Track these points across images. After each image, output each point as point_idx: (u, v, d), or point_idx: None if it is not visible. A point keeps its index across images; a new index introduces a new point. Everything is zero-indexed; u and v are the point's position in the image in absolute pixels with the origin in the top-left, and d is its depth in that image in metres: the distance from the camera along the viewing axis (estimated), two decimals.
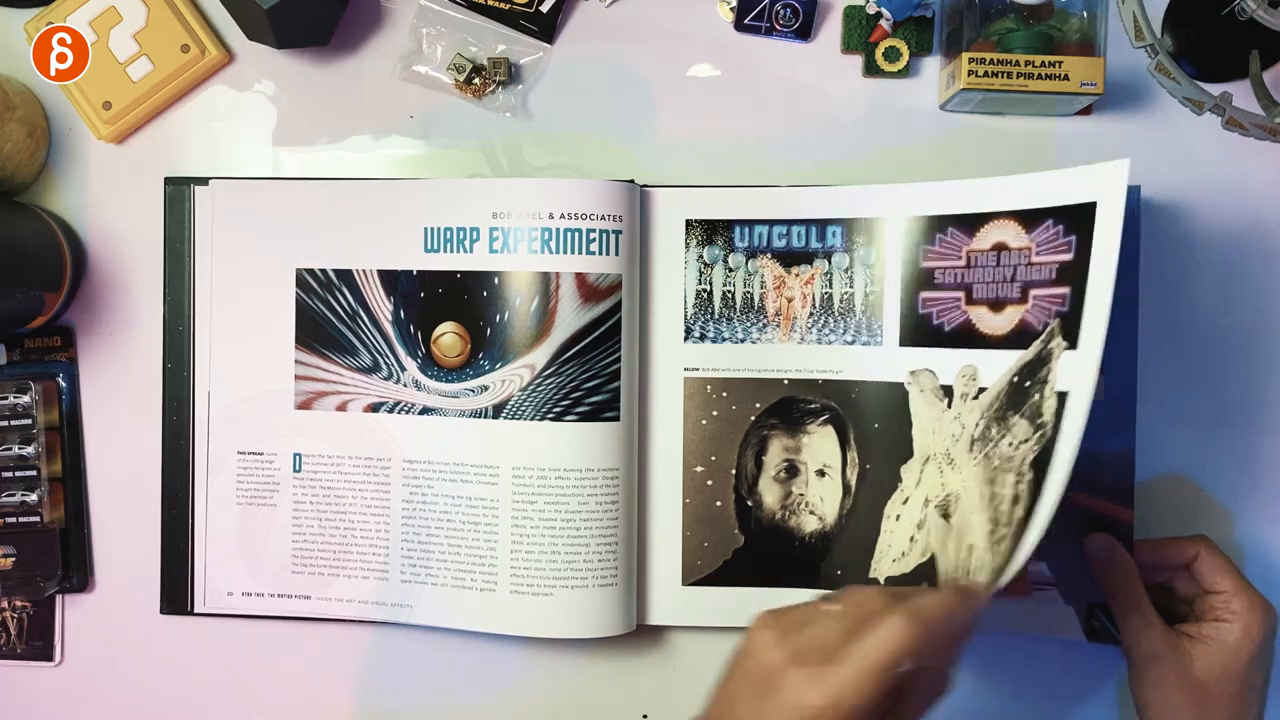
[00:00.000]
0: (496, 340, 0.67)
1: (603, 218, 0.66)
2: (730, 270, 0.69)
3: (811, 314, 0.69)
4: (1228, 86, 0.61)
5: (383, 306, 0.69)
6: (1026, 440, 0.60)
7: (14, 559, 0.72)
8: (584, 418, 0.66)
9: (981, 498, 0.62)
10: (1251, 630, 0.62)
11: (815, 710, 0.48)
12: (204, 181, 0.71)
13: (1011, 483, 0.60)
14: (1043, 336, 0.61)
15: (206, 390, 0.71)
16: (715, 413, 0.69)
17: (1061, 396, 0.58)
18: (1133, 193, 0.68)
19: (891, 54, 0.70)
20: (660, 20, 0.71)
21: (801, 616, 0.53)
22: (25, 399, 0.71)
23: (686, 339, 0.69)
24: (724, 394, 0.69)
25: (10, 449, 0.71)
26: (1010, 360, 0.62)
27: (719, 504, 0.69)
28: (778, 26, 0.71)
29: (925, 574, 0.65)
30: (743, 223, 0.69)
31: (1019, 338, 0.62)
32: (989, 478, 0.61)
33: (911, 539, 0.66)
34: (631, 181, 0.68)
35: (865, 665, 0.48)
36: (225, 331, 0.71)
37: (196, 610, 0.72)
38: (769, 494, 0.69)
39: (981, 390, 0.64)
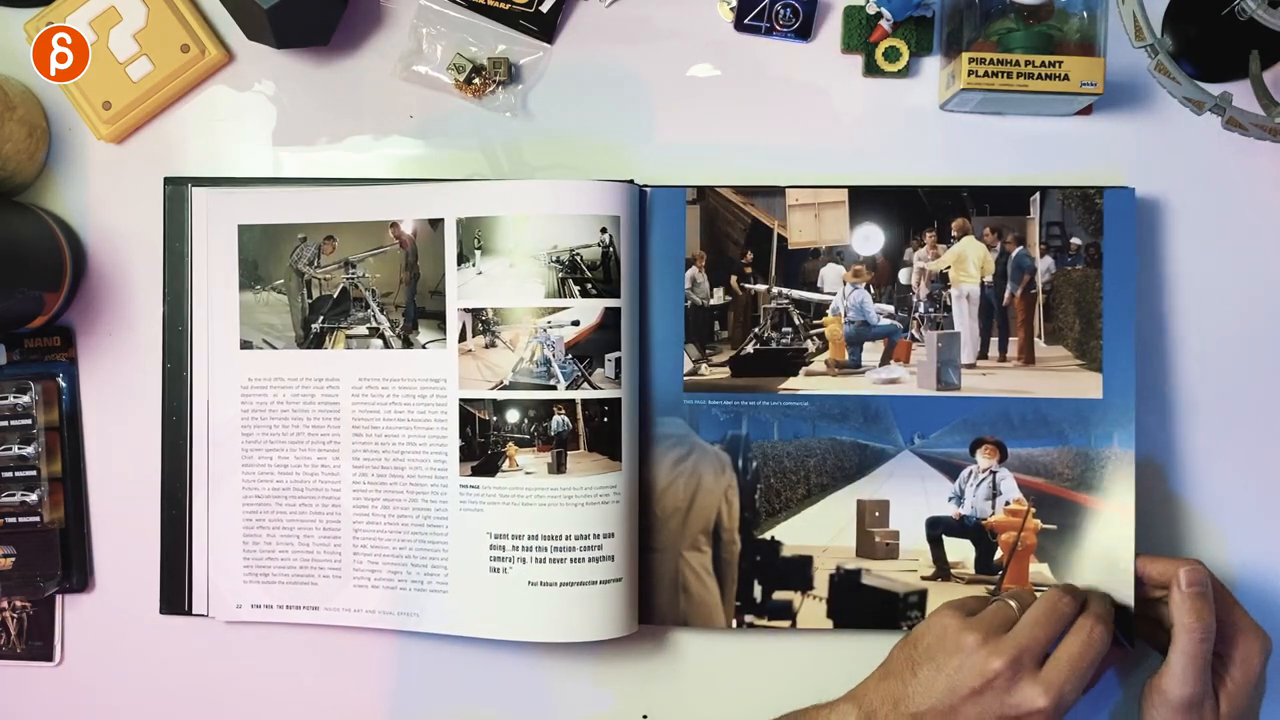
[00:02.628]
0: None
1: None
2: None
3: None
4: (1228, 86, 0.61)
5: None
6: None
7: (14, 559, 0.72)
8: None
9: None
10: (1250, 663, 0.62)
11: (1046, 711, 0.58)
12: (204, 182, 0.71)
13: None
14: None
15: (206, 390, 0.71)
16: None
17: None
18: (1127, 194, 0.68)
19: (891, 54, 0.70)
20: (660, 20, 0.71)
21: (998, 618, 0.61)
22: (25, 399, 0.71)
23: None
24: None
25: (10, 449, 0.71)
26: None
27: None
28: (778, 26, 0.71)
29: None
30: None
31: None
32: None
33: None
34: (631, 181, 0.68)
35: (1079, 667, 0.59)
36: (225, 331, 0.71)
37: (198, 612, 0.71)
38: None
39: None
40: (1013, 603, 0.63)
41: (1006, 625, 0.61)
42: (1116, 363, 0.68)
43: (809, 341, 0.69)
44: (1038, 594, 0.64)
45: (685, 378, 0.69)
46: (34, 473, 0.71)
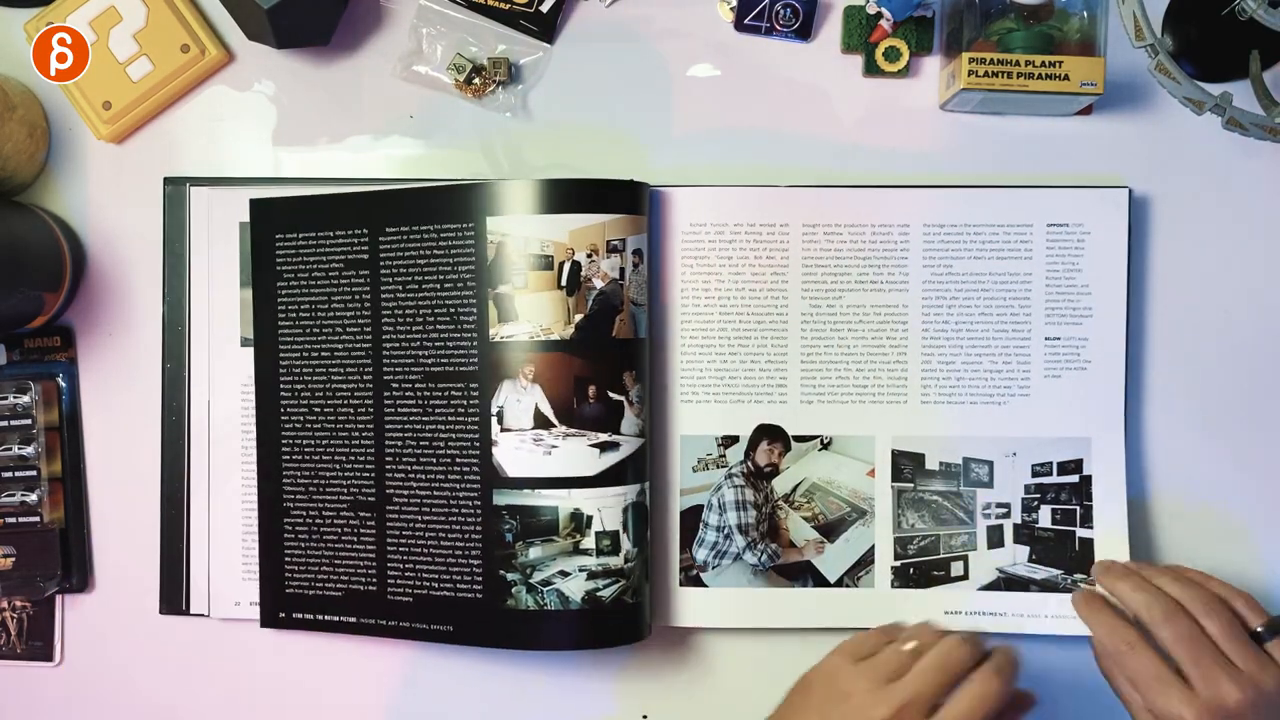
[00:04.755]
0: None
1: None
2: None
3: None
4: (1228, 86, 0.61)
5: None
6: None
7: (14, 559, 0.72)
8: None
9: None
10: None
11: None
12: (203, 182, 0.71)
13: None
14: None
15: (206, 390, 0.71)
16: None
17: None
18: (1124, 195, 0.69)
19: (891, 54, 0.70)
20: (660, 20, 0.71)
21: (891, 663, 0.58)
22: (25, 399, 0.71)
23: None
24: None
25: (10, 449, 0.71)
26: None
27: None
28: (778, 26, 0.71)
29: None
30: None
31: None
32: None
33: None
34: (631, 181, 0.68)
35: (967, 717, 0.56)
36: (226, 330, 0.71)
37: (197, 611, 0.72)
38: None
39: None
40: (909, 646, 0.60)
41: (899, 673, 0.58)
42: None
43: None
44: (944, 634, 0.60)
45: None
46: (34, 473, 0.71)
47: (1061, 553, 0.68)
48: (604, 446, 0.65)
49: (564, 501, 0.65)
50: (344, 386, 0.69)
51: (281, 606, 0.70)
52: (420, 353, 0.67)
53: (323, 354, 0.69)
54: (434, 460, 0.67)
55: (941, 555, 0.69)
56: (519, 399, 0.65)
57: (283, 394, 0.70)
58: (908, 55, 0.70)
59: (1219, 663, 0.57)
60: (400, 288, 0.67)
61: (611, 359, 0.66)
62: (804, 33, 0.71)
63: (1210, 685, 0.56)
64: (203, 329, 0.71)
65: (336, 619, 0.70)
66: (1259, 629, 0.59)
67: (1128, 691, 0.60)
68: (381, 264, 0.68)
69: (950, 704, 0.56)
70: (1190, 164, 0.70)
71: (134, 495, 0.72)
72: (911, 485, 0.69)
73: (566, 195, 0.65)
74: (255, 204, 0.70)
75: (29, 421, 0.71)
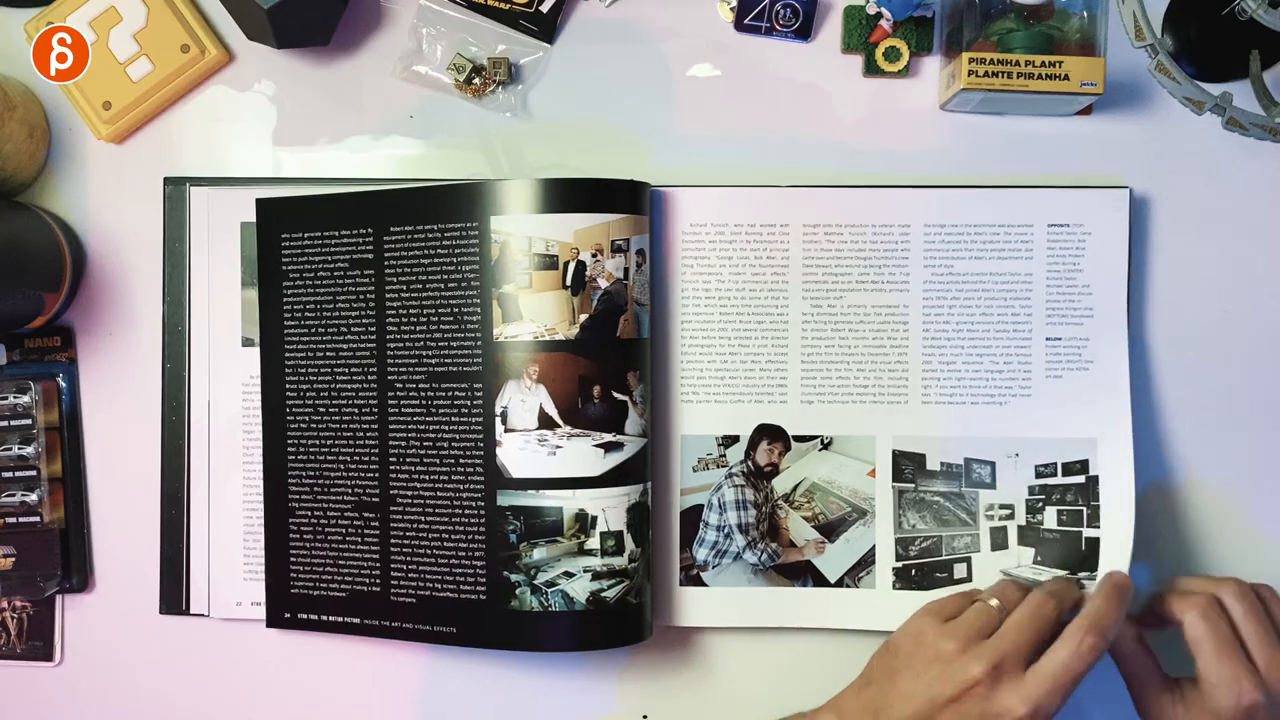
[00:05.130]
0: None
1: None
2: None
3: None
4: (1228, 86, 0.61)
5: None
6: None
7: (14, 559, 0.71)
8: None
9: None
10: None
11: (1022, 718, 0.55)
12: (203, 182, 0.71)
13: None
14: None
15: (206, 389, 0.71)
16: None
17: None
18: (1124, 195, 0.69)
19: (891, 54, 0.70)
20: (660, 20, 0.71)
21: (979, 622, 0.58)
22: (25, 399, 0.71)
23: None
24: None
25: (10, 449, 0.71)
26: None
27: None
28: (778, 26, 0.71)
29: None
30: None
31: None
32: None
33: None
34: (632, 181, 0.68)
35: (1062, 677, 0.56)
36: (226, 329, 0.71)
37: (197, 611, 0.72)
38: None
39: None
40: (994, 603, 0.61)
41: (988, 630, 0.58)
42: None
43: None
44: (1030, 589, 0.62)
45: None
46: (34, 473, 0.71)
47: (1068, 553, 0.68)
48: (608, 447, 0.65)
49: (568, 502, 0.65)
50: (349, 386, 0.69)
51: (287, 607, 0.70)
52: (424, 353, 0.67)
53: (328, 354, 0.69)
54: (437, 461, 0.67)
55: (944, 557, 0.69)
56: (523, 399, 0.65)
57: (288, 394, 0.70)
58: (908, 55, 0.70)
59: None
60: (404, 287, 0.67)
61: (616, 359, 0.66)
62: (804, 33, 0.71)
63: (1273, 664, 0.58)
64: (203, 329, 0.71)
65: (340, 620, 0.70)
66: None
67: (1141, 674, 0.61)
68: (386, 263, 0.68)
69: (1045, 658, 0.57)
70: (1190, 164, 0.70)
71: (134, 495, 0.72)
72: (913, 486, 0.69)
73: (569, 194, 0.65)
74: (261, 203, 0.70)
75: (29, 421, 0.71)
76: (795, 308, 0.69)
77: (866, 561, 0.69)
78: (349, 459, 0.69)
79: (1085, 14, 0.67)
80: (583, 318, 0.65)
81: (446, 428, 0.67)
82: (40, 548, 0.71)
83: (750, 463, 0.69)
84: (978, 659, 0.57)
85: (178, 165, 0.72)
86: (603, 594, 0.65)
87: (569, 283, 0.65)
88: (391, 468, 0.68)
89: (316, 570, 0.70)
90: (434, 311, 0.67)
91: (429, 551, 0.67)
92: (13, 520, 0.71)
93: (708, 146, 0.71)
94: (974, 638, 0.58)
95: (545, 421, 0.65)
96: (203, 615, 0.72)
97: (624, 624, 0.66)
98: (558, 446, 0.65)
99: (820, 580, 0.69)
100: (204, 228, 0.71)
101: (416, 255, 0.67)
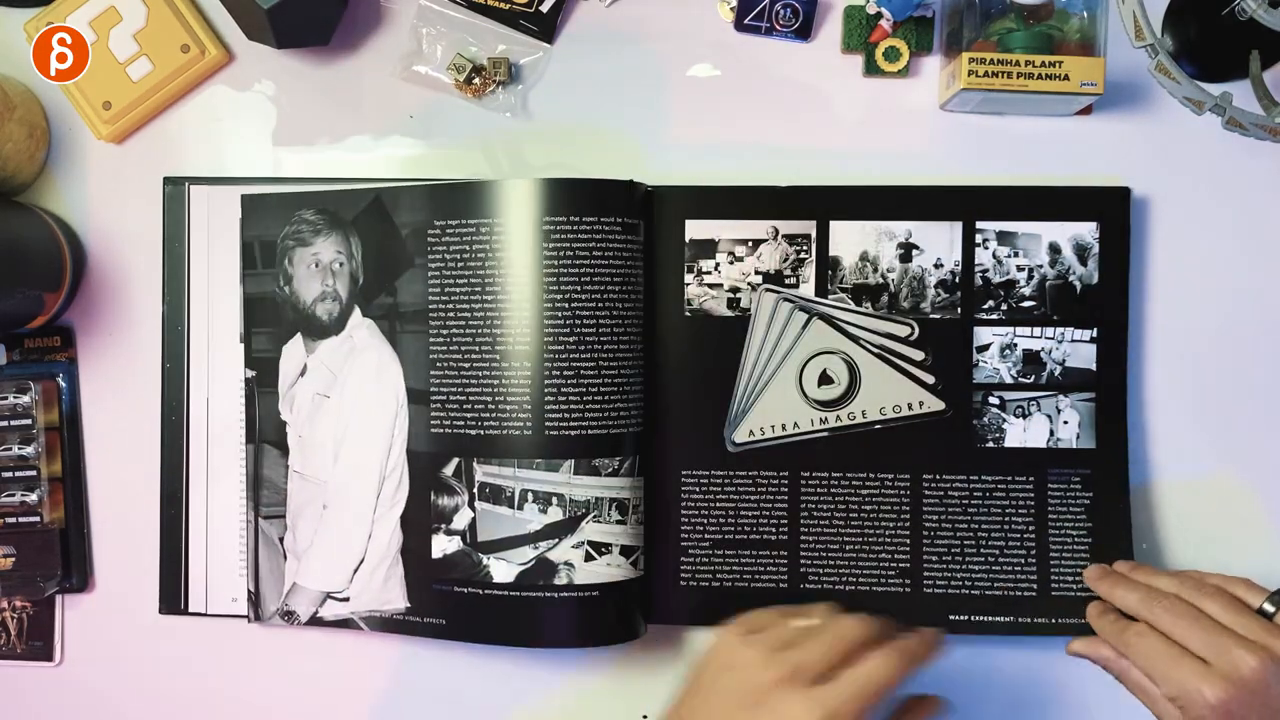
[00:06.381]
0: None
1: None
2: None
3: None
4: (1228, 86, 0.61)
5: None
6: None
7: (14, 559, 0.72)
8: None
9: None
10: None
11: None
12: (203, 182, 0.71)
13: None
14: None
15: (206, 389, 0.71)
16: None
17: None
18: (1124, 194, 0.69)
19: (891, 54, 0.70)
20: (660, 20, 0.71)
21: (783, 636, 0.57)
22: (25, 399, 0.71)
23: None
24: None
25: (10, 449, 0.71)
26: None
27: None
28: (778, 26, 0.71)
29: None
30: None
31: None
32: None
33: None
34: (632, 181, 0.68)
35: (856, 691, 0.53)
36: (226, 328, 0.71)
37: (196, 610, 0.72)
38: None
39: None
40: (802, 623, 0.59)
41: (790, 645, 0.56)
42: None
43: None
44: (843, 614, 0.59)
45: None
46: (34, 473, 0.71)
47: None
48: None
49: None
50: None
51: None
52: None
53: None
54: None
55: None
56: None
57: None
58: (908, 55, 0.70)
59: (1227, 635, 0.57)
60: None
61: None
62: (804, 33, 0.71)
63: (1223, 656, 0.56)
64: (203, 329, 0.72)
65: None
66: (1265, 605, 0.58)
67: (1145, 685, 0.59)
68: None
69: (840, 676, 0.54)
70: (1190, 164, 0.70)
71: (134, 495, 0.72)
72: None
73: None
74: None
75: (29, 421, 0.71)
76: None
77: None
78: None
79: (1085, 14, 0.67)
80: None
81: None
82: (40, 548, 0.72)
83: None
84: (771, 666, 0.55)
85: (178, 165, 0.72)
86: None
87: None
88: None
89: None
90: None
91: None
92: (13, 520, 0.71)
93: (707, 147, 0.71)
94: (775, 649, 0.56)
95: None
96: (202, 614, 0.72)
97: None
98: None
99: None
100: (204, 228, 0.71)
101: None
